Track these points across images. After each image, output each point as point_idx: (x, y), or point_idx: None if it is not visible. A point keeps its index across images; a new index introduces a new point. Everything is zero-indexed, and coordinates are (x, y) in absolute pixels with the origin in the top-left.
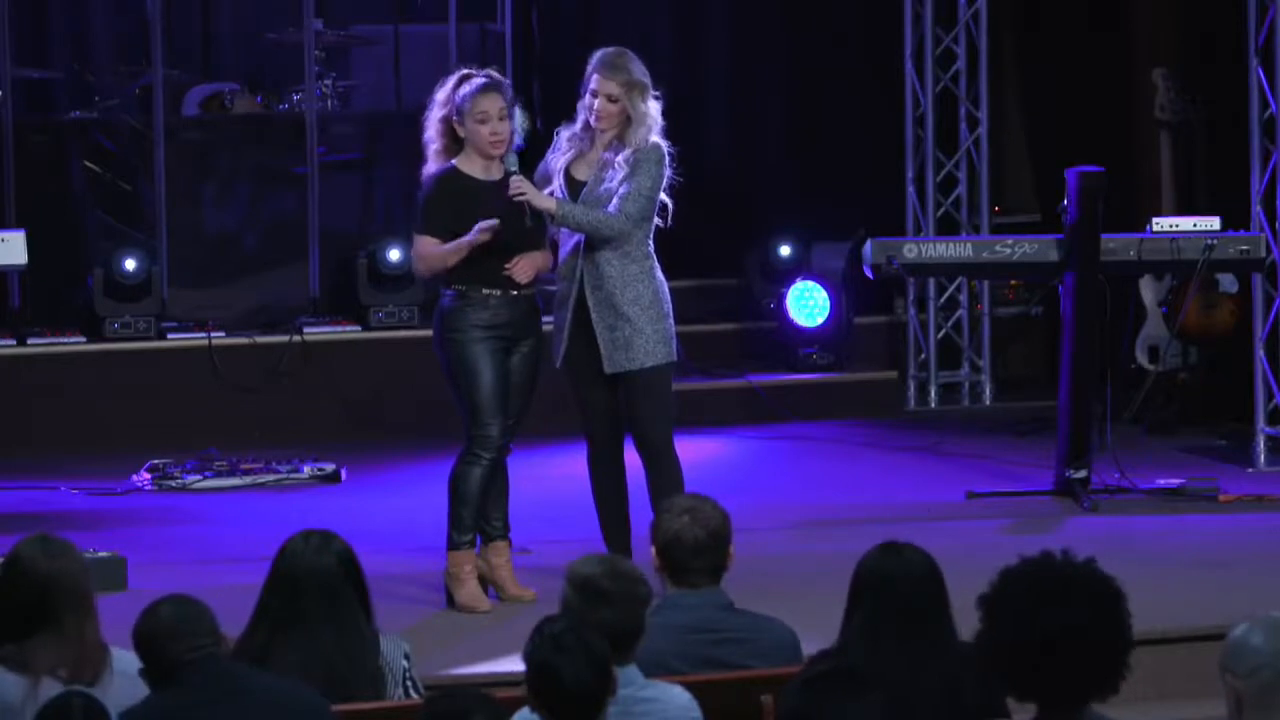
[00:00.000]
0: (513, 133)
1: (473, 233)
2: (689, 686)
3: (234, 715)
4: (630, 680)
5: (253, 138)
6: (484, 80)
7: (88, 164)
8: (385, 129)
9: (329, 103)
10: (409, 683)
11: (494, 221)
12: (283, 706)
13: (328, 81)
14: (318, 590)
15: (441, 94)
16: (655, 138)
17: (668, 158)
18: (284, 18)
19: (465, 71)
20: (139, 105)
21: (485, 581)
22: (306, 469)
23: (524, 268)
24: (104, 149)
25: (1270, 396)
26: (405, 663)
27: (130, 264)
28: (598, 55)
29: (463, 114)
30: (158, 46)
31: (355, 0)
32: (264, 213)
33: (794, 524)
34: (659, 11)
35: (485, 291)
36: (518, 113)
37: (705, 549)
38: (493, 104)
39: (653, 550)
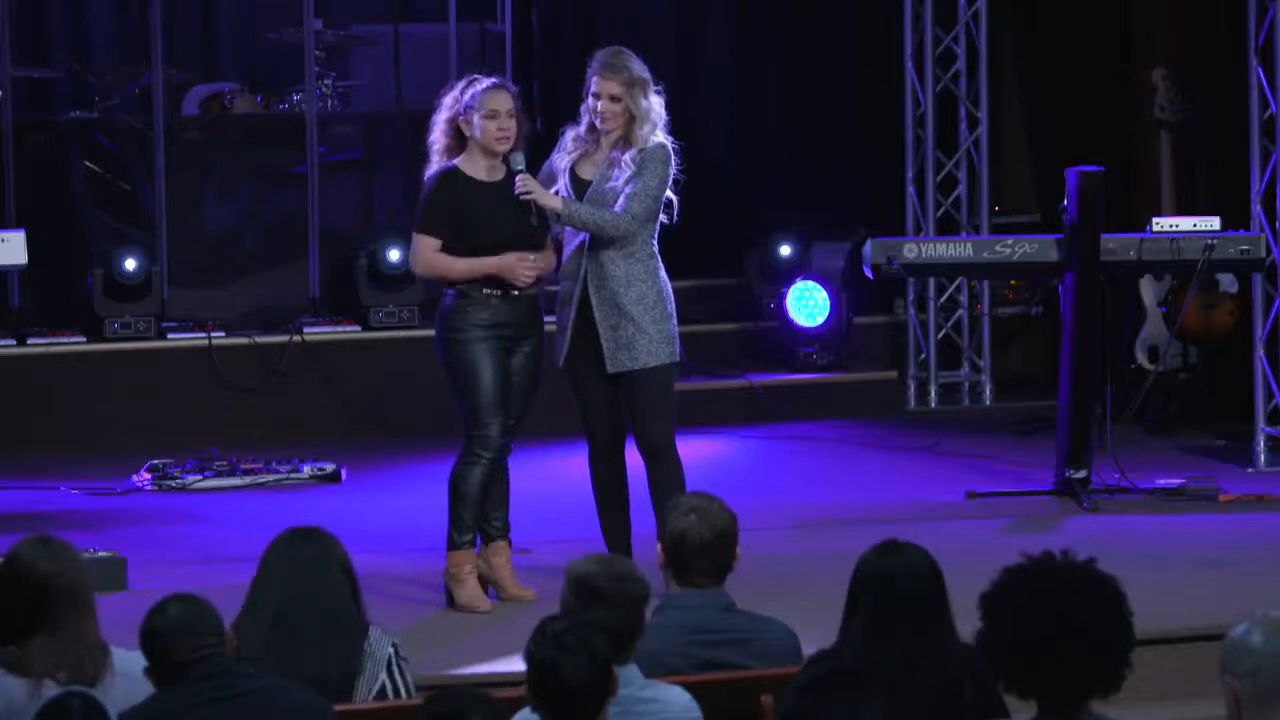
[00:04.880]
0: (519, 133)
1: (497, 263)
2: (689, 686)
3: (237, 715)
4: (630, 680)
5: (253, 138)
6: (494, 80)
7: (88, 164)
8: (385, 129)
9: (329, 103)
10: (396, 669)
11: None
12: (285, 707)
13: (328, 81)
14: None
15: (448, 97)
16: (661, 135)
17: (674, 156)
18: (284, 18)
19: (473, 76)
20: (139, 105)
21: (485, 581)
22: (306, 469)
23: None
24: (104, 149)
25: (1270, 396)
26: (391, 650)
27: (130, 264)
28: (597, 56)
29: (471, 111)
30: (158, 46)
31: (355, 0)
32: (264, 213)
33: (794, 524)
34: (659, 12)
35: (487, 291)
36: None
37: (710, 549)
38: (502, 102)
39: (659, 547)
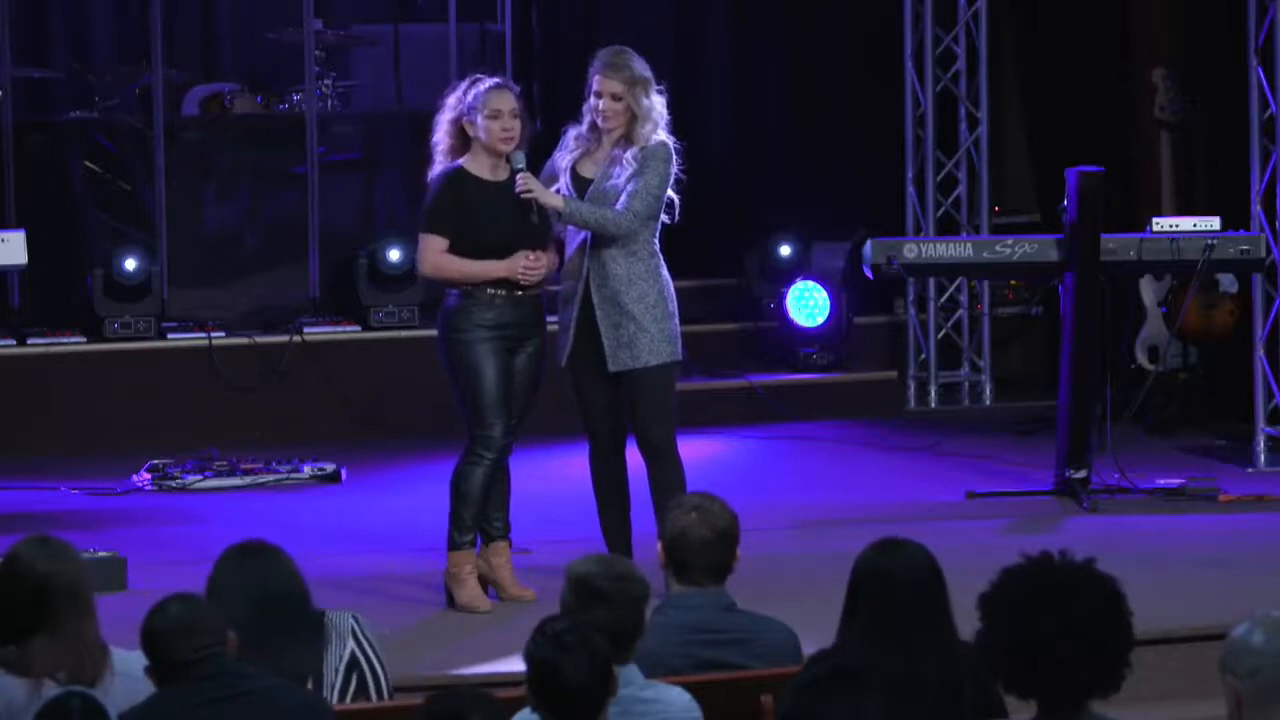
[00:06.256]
0: (522, 133)
1: (507, 265)
2: (689, 686)
3: (237, 715)
4: (630, 680)
5: (253, 138)
6: (497, 80)
7: (88, 164)
8: (385, 129)
9: (329, 103)
10: (363, 636)
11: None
12: (285, 707)
13: (328, 81)
14: None
15: (451, 98)
16: (662, 134)
17: (675, 155)
18: (284, 18)
19: (475, 76)
20: (139, 105)
21: (485, 581)
22: (306, 469)
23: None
24: (104, 149)
25: (1270, 396)
26: (353, 620)
27: (130, 264)
28: (598, 55)
29: (474, 112)
30: (158, 46)
31: (355, 0)
32: (264, 213)
33: (794, 524)
34: (659, 12)
35: (490, 291)
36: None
37: (710, 548)
38: (505, 102)
39: (659, 547)
